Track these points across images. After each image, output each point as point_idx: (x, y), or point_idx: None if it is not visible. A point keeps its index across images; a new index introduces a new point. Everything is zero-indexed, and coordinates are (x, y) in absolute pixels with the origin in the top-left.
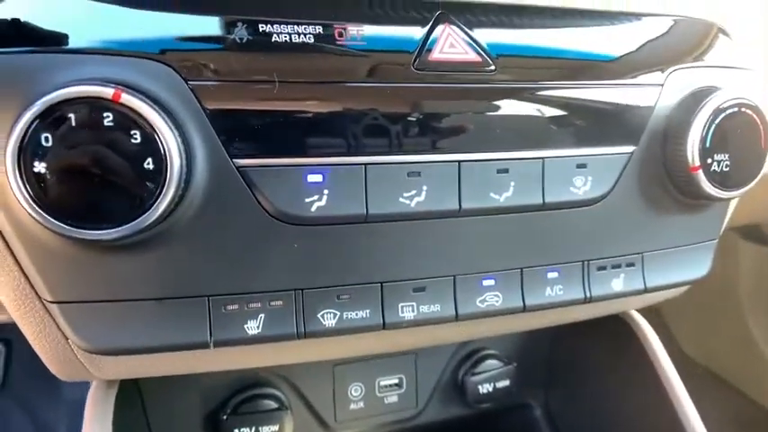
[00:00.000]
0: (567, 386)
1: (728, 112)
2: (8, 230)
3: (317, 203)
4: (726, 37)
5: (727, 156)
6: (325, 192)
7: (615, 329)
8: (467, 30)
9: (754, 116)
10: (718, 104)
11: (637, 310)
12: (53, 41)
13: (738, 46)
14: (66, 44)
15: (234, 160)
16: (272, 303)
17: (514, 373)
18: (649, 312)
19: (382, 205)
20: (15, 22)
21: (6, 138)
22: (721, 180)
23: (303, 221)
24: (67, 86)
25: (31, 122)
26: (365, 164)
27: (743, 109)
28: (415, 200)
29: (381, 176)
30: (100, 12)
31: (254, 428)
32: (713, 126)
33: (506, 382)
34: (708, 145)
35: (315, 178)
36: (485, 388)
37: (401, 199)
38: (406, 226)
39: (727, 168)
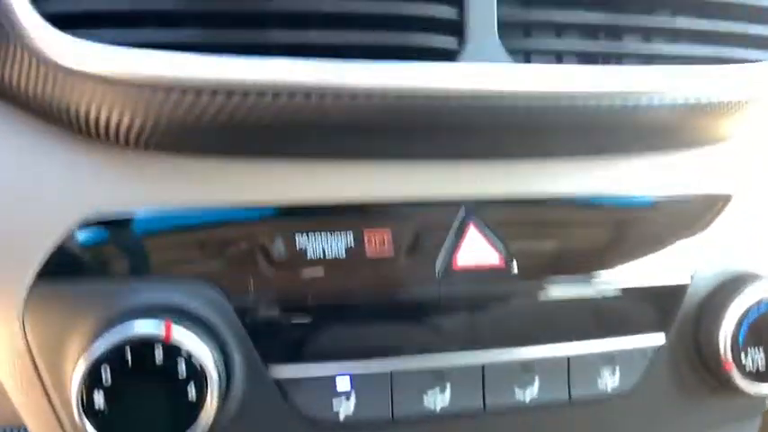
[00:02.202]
0: None
1: (762, 311)
2: None
3: (345, 410)
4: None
5: (762, 350)
6: (353, 398)
7: None
8: (488, 233)
9: None
10: (749, 304)
11: None
12: (116, 268)
13: None
14: (129, 271)
15: (270, 372)
16: None
17: None
18: None
19: (407, 409)
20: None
21: (72, 368)
22: (757, 376)
23: (332, 426)
24: (125, 321)
25: (93, 362)
26: (391, 371)
27: None
28: (439, 405)
29: (406, 382)
30: (154, 240)
31: None
32: (744, 325)
33: None
34: (741, 342)
35: (343, 386)
36: None
37: (426, 403)
38: (432, 427)
39: (763, 364)
